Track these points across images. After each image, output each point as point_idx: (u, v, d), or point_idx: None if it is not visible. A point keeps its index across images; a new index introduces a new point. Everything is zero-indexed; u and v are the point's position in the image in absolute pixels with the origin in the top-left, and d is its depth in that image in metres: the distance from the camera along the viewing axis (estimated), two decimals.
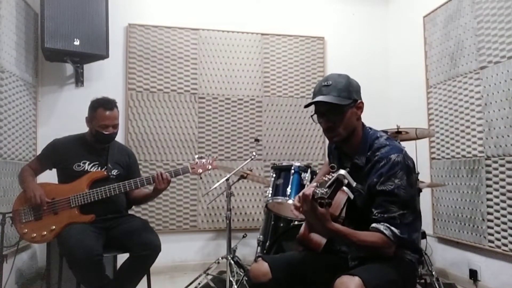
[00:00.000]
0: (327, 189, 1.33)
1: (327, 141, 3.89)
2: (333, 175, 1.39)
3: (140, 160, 3.50)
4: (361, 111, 1.59)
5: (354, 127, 1.58)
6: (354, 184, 1.40)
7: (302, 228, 1.56)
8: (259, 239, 2.99)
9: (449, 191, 3.26)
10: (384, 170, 1.47)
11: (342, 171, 1.38)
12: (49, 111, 3.50)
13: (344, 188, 1.40)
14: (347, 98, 1.54)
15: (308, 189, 1.41)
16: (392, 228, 1.43)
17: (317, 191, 1.32)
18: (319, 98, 1.54)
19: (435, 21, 3.48)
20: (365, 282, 1.32)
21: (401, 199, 1.45)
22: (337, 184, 1.38)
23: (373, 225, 1.46)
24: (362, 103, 1.59)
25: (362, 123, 1.64)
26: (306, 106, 1.69)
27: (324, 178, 1.41)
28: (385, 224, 1.44)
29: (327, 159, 2.00)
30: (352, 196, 1.41)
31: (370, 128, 1.64)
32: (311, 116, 1.63)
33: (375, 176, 1.49)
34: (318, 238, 1.52)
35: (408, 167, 1.50)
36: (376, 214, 1.46)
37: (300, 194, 1.52)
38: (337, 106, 1.52)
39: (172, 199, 3.70)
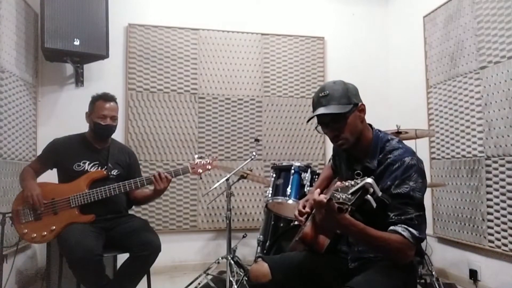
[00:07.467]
0: (350, 196, 1.27)
1: (327, 141, 3.91)
2: (357, 182, 1.30)
3: (140, 160, 3.48)
4: (364, 113, 1.58)
5: (360, 130, 1.56)
6: (380, 193, 1.30)
7: (307, 228, 1.56)
8: (259, 239, 2.99)
9: (449, 191, 3.26)
10: (398, 173, 1.46)
11: (369, 180, 1.29)
12: (49, 111, 3.50)
13: (368, 196, 1.31)
14: (347, 104, 1.52)
15: (319, 196, 1.36)
16: (410, 229, 1.40)
17: (338, 196, 1.28)
18: (320, 110, 1.53)
19: (435, 21, 3.48)
20: None
21: (417, 201, 1.44)
22: (362, 192, 1.29)
23: (391, 228, 1.42)
24: (364, 105, 1.57)
25: (371, 125, 1.63)
26: (308, 120, 1.67)
27: (345, 183, 1.34)
28: (403, 225, 1.40)
29: (329, 159, 1.98)
30: (375, 205, 1.31)
31: (379, 131, 1.63)
32: (316, 128, 1.61)
33: (389, 179, 1.47)
34: (322, 239, 1.51)
35: (421, 170, 1.49)
36: (393, 217, 1.43)
37: (303, 201, 1.49)
38: (340, 115, 1.51)
39: (172, 199, 3.70)
